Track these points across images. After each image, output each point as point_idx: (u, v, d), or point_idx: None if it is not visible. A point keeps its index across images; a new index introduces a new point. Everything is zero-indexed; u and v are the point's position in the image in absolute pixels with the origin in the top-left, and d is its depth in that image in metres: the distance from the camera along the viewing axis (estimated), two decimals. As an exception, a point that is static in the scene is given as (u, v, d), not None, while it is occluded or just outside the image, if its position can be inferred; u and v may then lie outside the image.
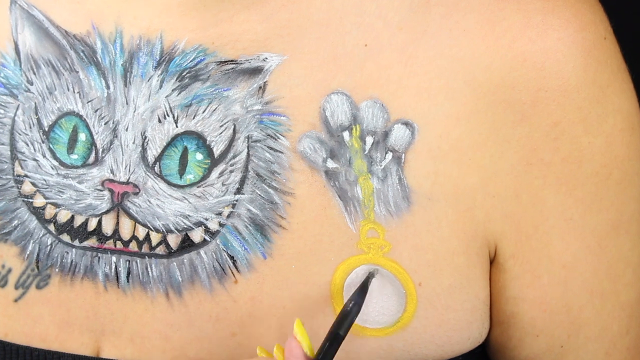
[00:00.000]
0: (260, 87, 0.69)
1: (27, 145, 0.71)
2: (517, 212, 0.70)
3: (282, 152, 0.69)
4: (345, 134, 0.69)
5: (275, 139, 0.69)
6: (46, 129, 0.71)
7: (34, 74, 0.71)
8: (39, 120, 0.71)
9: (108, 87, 0.70)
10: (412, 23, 0.69)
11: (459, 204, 0.69)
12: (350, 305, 0.65)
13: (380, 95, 0.69)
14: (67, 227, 0.71)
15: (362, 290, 0.67)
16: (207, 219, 0.69)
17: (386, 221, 0.69)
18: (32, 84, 0.71)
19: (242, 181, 0.69)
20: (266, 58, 0.69)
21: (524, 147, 0.69)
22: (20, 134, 0.72)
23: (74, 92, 0.70)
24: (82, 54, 0.70)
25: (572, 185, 0.70)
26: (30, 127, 0.71)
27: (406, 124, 0.68)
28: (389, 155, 0.69)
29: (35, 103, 0.71)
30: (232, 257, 0.70)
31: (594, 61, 0.69)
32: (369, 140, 0.69)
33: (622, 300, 0.73)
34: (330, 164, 0.69)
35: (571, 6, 0.69)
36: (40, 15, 0.71)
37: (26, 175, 0.71)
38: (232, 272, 0.70)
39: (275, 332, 0.70)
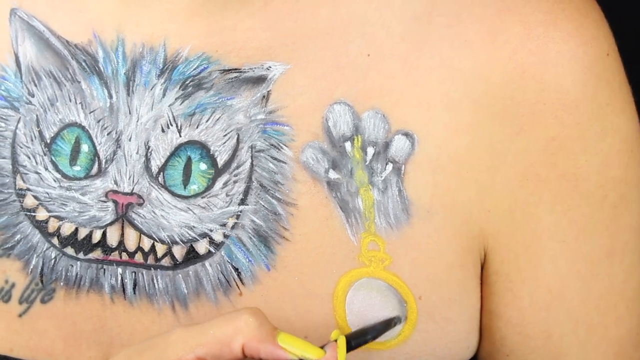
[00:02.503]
0: (263, 96, 0.68)
1: (29, 158, 0.71)
2: (510, 229, 0.70)
3: (285, 163, 0.68)
4: (347, 145, 0.68)
5: (279, 149, 0.68)
6: (48, 141, 0.70)
7: (35, 85, 0.71)
8: (40, 132, 0.70)
9: (111, 97, 0.69)
10: (415, 33, 0.68)
11: (456, 218, 0.69)
12: (373, 326, 0.65)
13: (381, 105, 0.68)
14: (71, 239, 0.70)
15: (386, 324, 0.67)
16: (211, 230, 0.69)
17: (386, 234, 0.68)
18: (33, 96, 0.71)
19: (246, 192, 0.69)
20: (270, 67, 0.68)
21: (521, 161, 0.68)
22: (21, 147, 0.71)
23: (75, 102, 0.70)
24: (83, 63, 0.70)
25: (567, 205, 0.69)
26: (32, 140, 0.71)
27: (406, 134, 0.68)
28: (390, 167, 0.68)
29: (36, 115, 0.71)
30: (236, 269, 0.69)
31: (595, 77, 0.68)
32: (370, 151, 0.68)
33: (611, 335, 0.72)
34: (332, 174, 0.68)
35: (574, 20, 0.68)
36: (40, 26, 0.71)
37: (28, 189, 0.71)
38: (237, 285, 0.69)
39: None
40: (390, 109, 0.68)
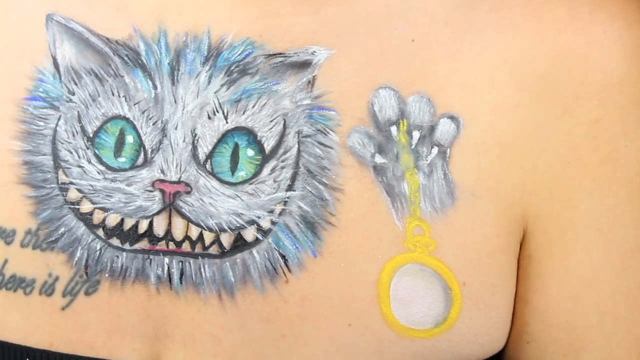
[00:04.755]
0: (309, 81, 0.69)
1: (71, 153, 0.71)
2: (549, 213, 0.70)
3: (331, 148, 0.69)
4: (393, 129, 0.69)
5: (325, 134, 0.69)
6: (90, 135, 0.70)
7: (76, 84, 0.71)
8: (82, 127, 0.70)
9: (155, 88, 0.69)
10: (459, 18, 0.69)
11: (500, 201, 0.69)
12: None
13: (426, 89, 0.69)
14: (116, 230, 0.70)
15: None
16: (259, 217, 0.69)
17: (431, 218, 0.69)
18: (74, 94, 0.71)
19: (293, 177, 0.69)
20: (315, 51, 0.69)
21: (564, 144, 0.69)
22: (62, 143, 0.71)
23: (119, 96, 0.70)
24: (125, 58, 0.70)
25: (605, 191, 0.70)
26: (74, 135, 0.71)
27: (452, 118, 0.69)
28: (435, 150, 0.69)
29: (78, 112, 0.71)
30: (283, 256, 0.69)
31: (638, 60, 0.69)
32: (416, 134, 0.69)
33: (637, 332, 0.72)
34: (379, 159, 0.69)
35: (618, 3, 0.69)
36: (79, 27, 0.71)
37: (71, 183, 0.71)
38: (284, 272, 0.69)
39: (324, 333, 0.69)
40: (435, 93, 0.69)
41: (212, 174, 0.69)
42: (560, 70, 0.68)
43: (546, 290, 0.71)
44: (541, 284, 0.71)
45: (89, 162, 0.70)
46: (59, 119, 0.71)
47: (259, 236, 0.69)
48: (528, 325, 0.72)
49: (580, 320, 0.71)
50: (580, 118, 0.68)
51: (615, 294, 0.70)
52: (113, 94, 0.70)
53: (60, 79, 0.72)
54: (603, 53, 0.68)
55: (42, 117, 0.72)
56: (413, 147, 0.69)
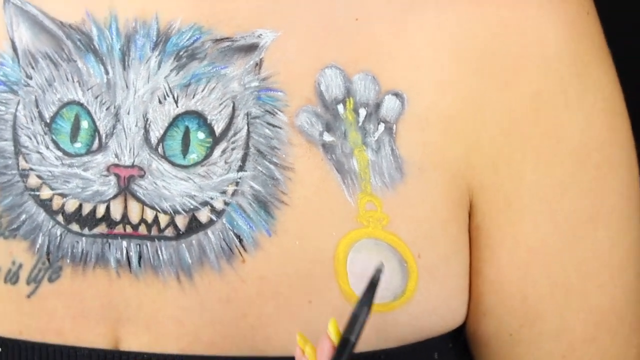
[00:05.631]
0: (256, 64, 0.69)
1: (30, 138, 0.72)
2: (494, 185, 0.70)
3: (280, 128, 0.69)
4: (340, 107, 0.69)
5: (274, 115, 0.69)
6: (48, 121, 0.71)
7: (33, 68, 0.72)
8: (40, 112, 0.71)
9: (107, 73, 0.70)
10: None
11: (446, 174, 0.70)
12: (358, 306, 0.63)
13: (372, 67, 0.69)
14: (75, 216, 0.71)
15: (371, 288, 0.64)
16: (212, 198, 0.70)
17: (382, 193, 0.69)
18: (31, 78, 0.72)
19: (244, 158, 0.70)
20: (261, 34, 0.69)
21: (505, 116, 0.69)
22: (22, 129, 0.72)
23: (73, 81, 0.71)
24: (78, 42, 0.71)
25: (550, 163, 0.70)
26: (32, 121, 0.72)
27: (396, 94, 0.69)
28: (382, 127, 0.69)
29: (35, 96, 0.72)
30: (238, 236, 0.70)
31: (576, 33, 0.69)
32: (362, 112, 0.69)
33: (592, 303, 0.72)
34: (327, 137, 0.69)
35: None
36: (34, 10, 0.72)
37: (31, 169, 0.72)
38: (240, 252, 0.70)
39: (285, 311, 0.70)
40: (380, 71, 0.69)
41: (165, 157, 0.69)
42: (500, 45, 0.68)
43: (496, 260, 0.71)
44: (490, 254, 0.71)
45: (47, 147, 0.71)
46: (18, 104, 0.72)
47: (213, 217, 0.70)
48: (482, 296, 0.72)
49: (532, 290, 0.71)
50: (521, 91, 0.69)
51: (567, 264, 0.71)
52: (67, 79, 0.71)
53: (19, 62, 0.72)
54: (540, 27, 0.68)
55: (3, 101, 0.73)
56: (360, 124, 0.69)
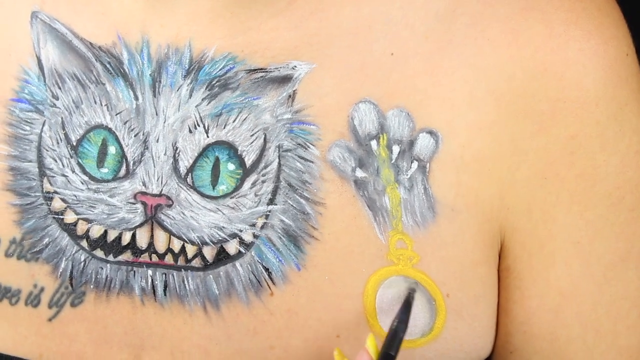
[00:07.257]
0: (289, 96, 0.68)
1: (56, 161, 0.70)
2: (527, 227, 0.70)
3: (312, 162, 0.68)
4: (373, 143, 0.68)
5: (306, 148, 0.68)
6: (74, 144, 0.70)
7: (59, 88, 0.71)
8: (66, 135, 0.70)
9: (137, 98, 0.69)
10: (438, 32, 0.68)
11: (479, 215, 0.69)
12: (396, 323, 0.65)
13: (406, 104, 0.68)
14: (100, 242, 0.70)
15: (407, 306, 0.66)
16: (241, 231, 0.69)
17: (413, 232, 0.68)
18: (57, 98, 0.70)
19: (275, 191, 0.69)
20: (295, 66, 0.68)
21: (540, 159, 0.68)
22: (47, 150, 0.71)
23: (101, 105, 0.69)
24: (108, 65, 0.69)
25: (584, 206, 0.69)
26: (58, 143, 0.70)
27: (431, 132, 0.68)
28: (415, 165, 0.68)
29: (61, 118, 0.70)
30: (267, 269, 0.69)
31: (615, 76, 0.68)
32: (396, 149, 0.68)
33: (621, 344, 0.71)
34: (359, 173, 0.68)
35: (594, 19, 0.68)
36: (63, 29, 0.70)
37: (56, 192, 0.71)
38: (268, 285, 0.69)
39: (313, 345, 0.69)
40: (415, 108, 0.68)
41: (193, 187, 0.68)
42: (537, 89, 0.67)
43: (526, 301, 0.71)
44: (521, 295, 0.71)
45: (73, 171, 0.70)
46: (43, 124, 0.71)
47: (242, 249, 0.69)
48: (510, 335, 0.72)
49: (562, 331, 0.70)
50: (556, 134, 0.68)
51: (597, 306, 0.70)
52: (95, 102, 0.70)
53: (44, 81, 0.71)
54: (579, 71, 0.67)
55: (28, 120, 0.71)
56: (393, 161, 0.68)
